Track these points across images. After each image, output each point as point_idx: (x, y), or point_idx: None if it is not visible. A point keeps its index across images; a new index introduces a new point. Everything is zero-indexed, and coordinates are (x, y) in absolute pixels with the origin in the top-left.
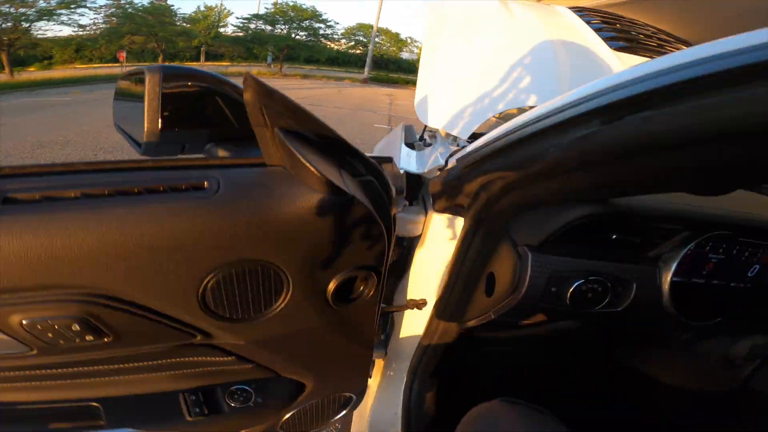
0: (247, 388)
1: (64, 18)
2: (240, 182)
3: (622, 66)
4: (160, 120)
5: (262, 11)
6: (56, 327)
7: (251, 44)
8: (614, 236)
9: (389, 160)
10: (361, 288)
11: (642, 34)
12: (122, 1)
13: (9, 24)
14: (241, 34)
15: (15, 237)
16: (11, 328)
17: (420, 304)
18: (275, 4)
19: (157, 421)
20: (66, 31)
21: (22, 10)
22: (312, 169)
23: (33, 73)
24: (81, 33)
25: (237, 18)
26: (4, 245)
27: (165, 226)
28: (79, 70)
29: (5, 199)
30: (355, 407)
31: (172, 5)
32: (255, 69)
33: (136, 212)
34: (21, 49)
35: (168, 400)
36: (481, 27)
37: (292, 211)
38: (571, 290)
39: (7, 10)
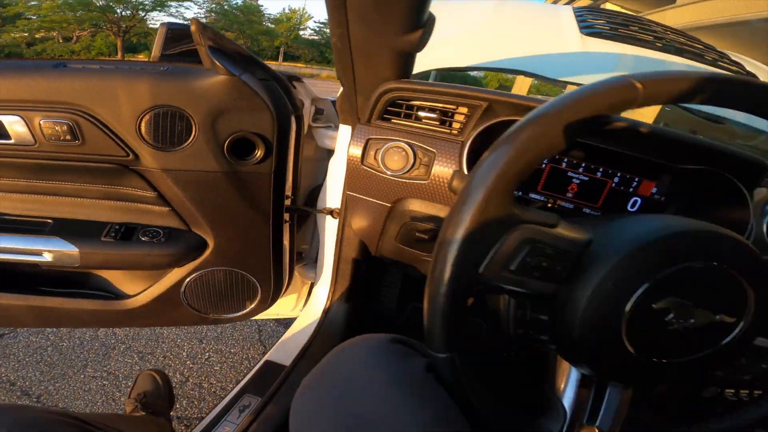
0: (159, 230)
1: (173, 10)
2: (180, 69)
3: (584, 47)
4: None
5: None
6: (55, 127)
7: (324, 48)
8: None
9: (299, 79)
10: (255, 152)
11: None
12: None
13: (128, 12)
14: (316, 38)
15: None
16: (32, 123)
17: (334, 212)
18: None
19: (81, 238)
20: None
21: None
22: (217, 63)
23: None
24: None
25: (315, 22)
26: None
27: (131, 82)
28: None
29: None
30: (263, 306)
31: (262, 5)
32: (325, 73)
33: (119, 75)
34: (135, 36)
35: (97, 226)
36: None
37: (203, 83)
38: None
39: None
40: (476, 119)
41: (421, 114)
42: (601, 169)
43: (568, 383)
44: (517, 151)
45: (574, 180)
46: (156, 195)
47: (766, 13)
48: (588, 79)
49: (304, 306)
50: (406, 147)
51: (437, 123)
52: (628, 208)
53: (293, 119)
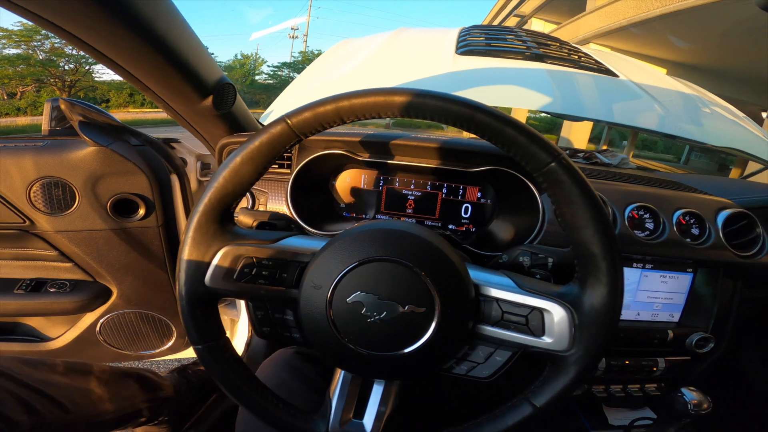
0: (66, 282)
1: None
2: (58, 143)
3: (454, 66)
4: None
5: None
6: None
7: (281, 92)
8: None
9: (176, 140)
10: (138, 210)
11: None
12: None
13: (71, 65)
14: (272, 81)
15: None
16: None
17: None
18: (302, 52)
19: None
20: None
21: (83, 52)
22: (84, 137)
23: None
24: None
25: (269, 66)
26: None
27: (18, 157)
28: (131, 113)
29: None
30: (182, 342)
31: (213, 53)
32: None
33: (6, 152)
34: (81, 90)
35: (11, 282)
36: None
37: (78, 155)
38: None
39: (70, 51)
40: (296, 158)
41: None
42: (429, 184)
43: (339, 380)
44: (216, 185)
45: (410, 197)
46: (58, 253)
47: (658, 11)
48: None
49: None
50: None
51: (276, 166)
52: (462, 214)
53: (174, 177)
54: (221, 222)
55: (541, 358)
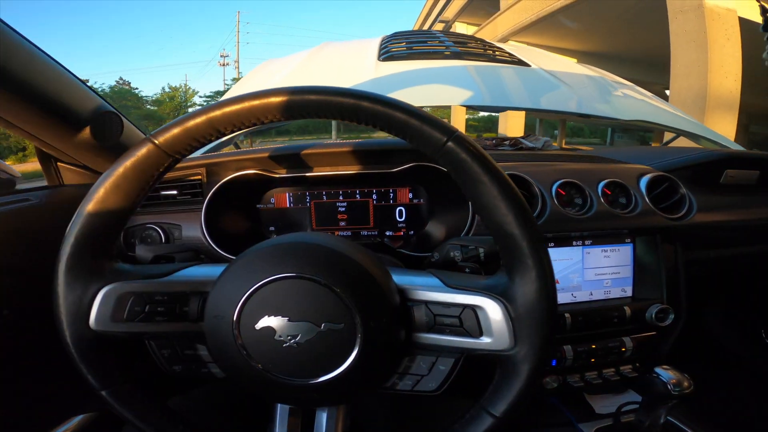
0: None
1: None
2: None
3: (376, 73)
4: None
5: (224, 88)
6: None
7: None
8: None
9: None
10: None
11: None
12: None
13: None
14: None
15: None
16: None
17: None
18: (235, 79)
19: None
20: None
21: None
22: None
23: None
24: None
25: (201, 97)
26: None
27: None
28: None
29: None
30: None
31: (136, 88)
32: (227, 148)
33: None
34: None
35: None
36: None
37: None
38: None
39: None
40: (206, 185)
41: (162, 192)
42: (358, 192)
43: (277, 415)
44: (81, 221)
45: (340, 209)
46: None
47: (559, 4)
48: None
49: None
50: (156, 228)
51: (187, 195)
52: (397, 218)
53: None
54: (96, 260)
55: (488, 362)
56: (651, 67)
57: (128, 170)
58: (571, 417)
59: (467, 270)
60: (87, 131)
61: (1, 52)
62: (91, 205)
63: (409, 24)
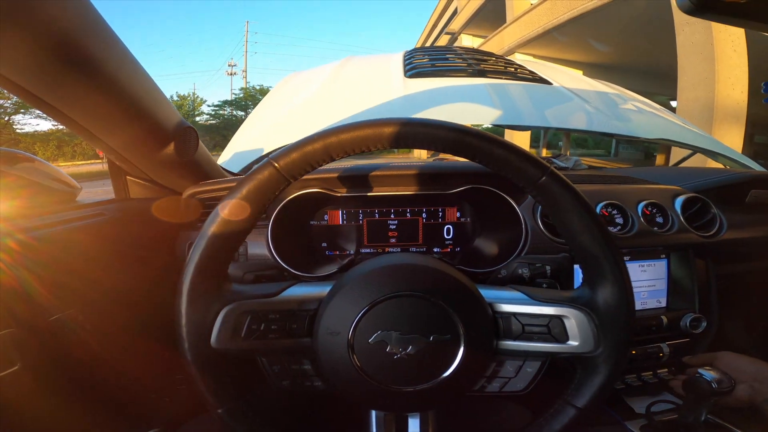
0: None
1: (39, 112)
2: None
3: (405, 89)
4: None
5: (231, 98)
6: None
7: (225, 132)
8: None
9: None
10: None
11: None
12: None
13: None
14: (215, 122)
15: None
16: None
17: None
18: (243, 89)
19: None
20: (44, 126)
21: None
22: None
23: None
24: (61, 127)
25: (209, 106)
26: None
27: None
28: (63, 167)
29: None
30: None
31: None
32: None
33: None
34: (4, 144)
35: None
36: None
37: None
38: None
39: None
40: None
41: None
42: (408, 210)
43: (373, 422)
44: (206, 243)
45: (391, 226)
46: None
47: (566, 16)
48: None
49: None
50: None
51: None
52: (444, 236)
53: None
54: (217, 281)
55: (568, 362)
56: (655, 78)
57: (251, 193)
58: (618, 417)
59: (544, 285)
60: (171, 147)
61: (112, 62)
62: (215, 227)
63: (415, 35)
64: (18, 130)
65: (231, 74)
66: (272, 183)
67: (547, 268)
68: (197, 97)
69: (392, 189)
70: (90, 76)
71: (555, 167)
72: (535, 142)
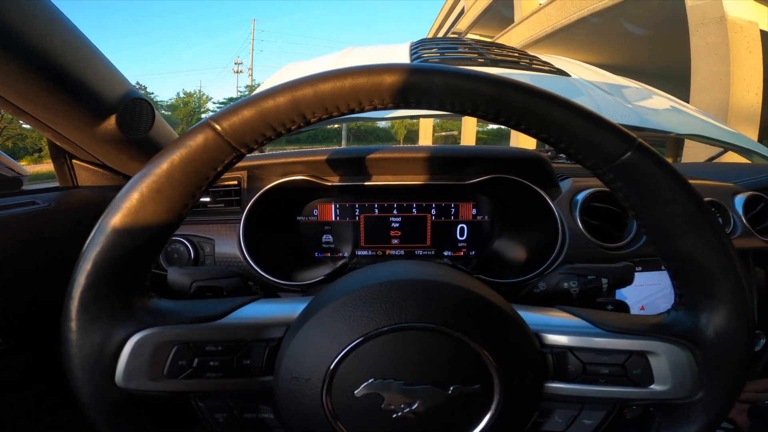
0: None
1: None
2: None
3: None
4: None
5: (237, 95)
6: None
7: None
8: None
9: None
10: None
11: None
12: None
13: None
14: None
15: None
16: None
17: None
18: (249, 86)
19: None
20: None
21: None
22: None
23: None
24: None
25: (214, 103)
26: None
27: None
28: None
29: None
30: None
31: (152, 93)
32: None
33: None
34: (9, 139)
35: None
36: None
37: None
38: None
39: None
40: (246, 191)
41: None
42: (415, 206)
43: None
44: (104, 239)
45: (394, 225)
46: None
47: (575, 16)
48: (425, 110)
49: None
50: (184, 242)
51: (221, 203)
52: (457, 237)
53: None
54: (124, 294)
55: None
56: (666, 80)
57: (175, 168)
58: None
59: (609, 307)
60: (112, 120)
61: (17, 12)
62: (118, 216)
63: (421, 35)
64: (25, 125)
65: (237, 72)
66: (209, 153)
67: (604, 281)
68: (203, 94)
69: (395, 178)
70: None
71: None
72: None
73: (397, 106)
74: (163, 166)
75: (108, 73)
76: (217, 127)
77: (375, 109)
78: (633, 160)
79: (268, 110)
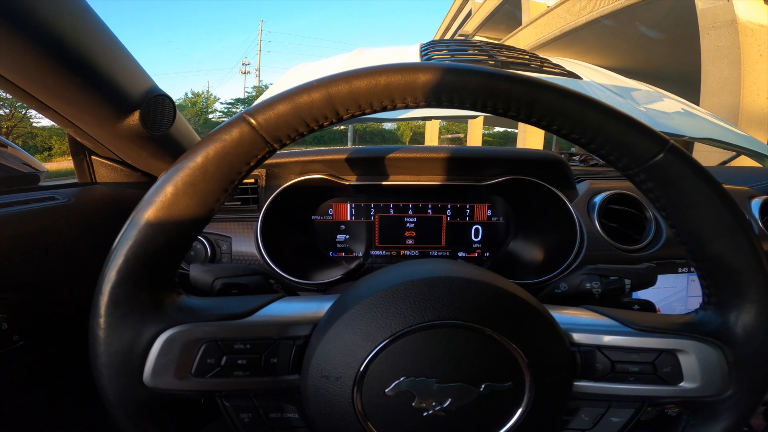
0: None
1: None
2: None
3: None
4: None
5: (245, 96)
6: None
7: None
8: None
9: None
10: None
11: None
12: None
13: (6, 110)
14: (226, 119)
15: None
16: None
17: None
18: (256, 87)
19: None
20: None
21: None
22: None
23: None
24: None
25: (222, 103)
26: None
27: None
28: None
29: None
30: None
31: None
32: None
33: None
34: (19, 138)
35: None
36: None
37: None
38: None
39: (3, 95)
40: (263, 190)
41: None
42: (430, 206)
43: None
44: (138, 232)
45: (409, 225)
46: None
47: (584, 19)
48: (437, 112)
49: None
50: (202, 239)
51: (238, 201)
52: (472, 237)
53: None
54: (154, 292)
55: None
56: (675, 84)
57: (210, 162)
58: None
59: (636, 307)
60: (135, 116)
61: (48, 6)
62: (152, 210)
63: (428, 37)
64: (35, 124)
65: (245, 73)
66: (244, 147)
67: (627, 282)
68: (211, 94)
69: (411, 178)
70: (25, 25)
71: (596, 163)
72: (548, 144)
73: (428, 105)
74: (197, 159)
75: (133, 68)
76: (253, 121)
77: (407, 107)
78: (665, 161)
79: (302, 105)
